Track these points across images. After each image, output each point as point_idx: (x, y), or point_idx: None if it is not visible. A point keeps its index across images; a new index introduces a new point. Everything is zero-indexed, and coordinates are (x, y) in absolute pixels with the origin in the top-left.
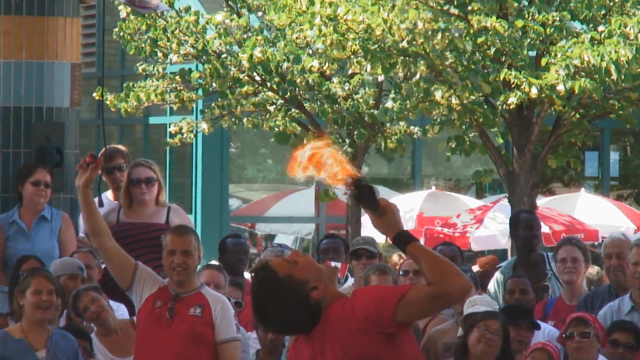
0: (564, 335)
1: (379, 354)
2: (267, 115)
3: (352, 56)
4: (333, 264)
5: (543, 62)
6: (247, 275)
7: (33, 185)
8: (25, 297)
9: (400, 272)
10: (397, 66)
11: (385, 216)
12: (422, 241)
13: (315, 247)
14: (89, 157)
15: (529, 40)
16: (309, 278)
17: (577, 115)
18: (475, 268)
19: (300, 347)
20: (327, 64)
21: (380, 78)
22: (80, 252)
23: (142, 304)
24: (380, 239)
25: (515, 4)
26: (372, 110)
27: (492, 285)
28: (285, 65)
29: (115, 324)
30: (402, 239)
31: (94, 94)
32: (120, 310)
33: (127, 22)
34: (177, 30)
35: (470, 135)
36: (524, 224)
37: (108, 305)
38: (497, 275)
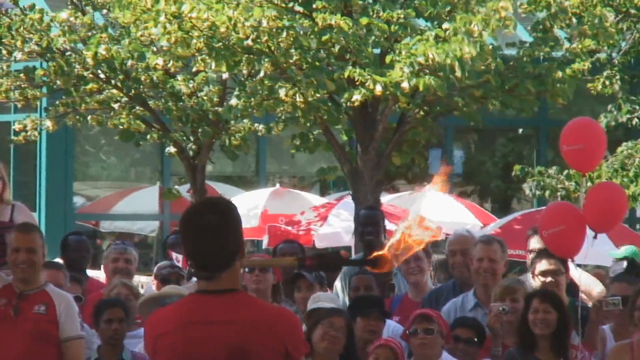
0: (407, 332)
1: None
2: (112, 113)
3: (196, 54)
4: (175, 255)
5: (387, 59)
6: (90, 272)
7: None
8: None
9: (247, 270)
10: (242, 64)
11: None
12: (265, 239)
13: (161, 242)
14: None
15: (373, 37)
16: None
17: (422, 113)
18: None
19: (191, 302)
20: (171, 62)
21: (225, 76)
22: None
23: None
24: None
25: (360, 2)
26: (216, 108)
27: (338, 282)
28: (129, 62)
29: None
30: None
31: None
32: None
33: None
34: (22, 28)
35: (315, 133)
36: (361, 220)
37: None
38: (343, 271)
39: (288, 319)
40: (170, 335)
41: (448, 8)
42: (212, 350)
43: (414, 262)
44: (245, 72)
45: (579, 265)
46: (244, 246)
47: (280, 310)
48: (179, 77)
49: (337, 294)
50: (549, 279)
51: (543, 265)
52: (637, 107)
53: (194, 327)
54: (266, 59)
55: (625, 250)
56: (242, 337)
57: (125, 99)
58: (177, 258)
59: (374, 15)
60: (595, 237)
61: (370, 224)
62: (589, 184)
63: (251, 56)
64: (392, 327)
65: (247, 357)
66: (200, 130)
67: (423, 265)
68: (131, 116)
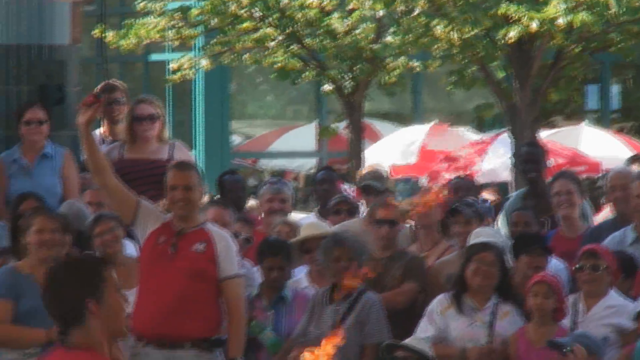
0: (574, 268)
1: None
2: (267, 52)
3: None
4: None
5: None
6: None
7: (25, 124)
8: (29, 235)
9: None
10: (397, 1)
11: None
12: (424, 179)
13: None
14: (91, 98)
15: None
16: None
17: (578, 49)
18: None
19: None
20: (326, 0)
21: (380, 13)
22: (92, 190)
23: (145, 239)
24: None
25: None
26: (372, 46)
27: (501, 216)
28: (284, 1)
29: (121, 259)
30: None
31: (94, 32)
32: (129, 249)
33: None
34: None
35: (471, 70)
36: (523, 158)
37: (122, 238)
38: (505, 206)
39: None
40: None
41: None
42: None
43: (564, 195)
44: (400, 9)
45: None
46: None
47: None
48: (334, 15)
49: (500, 228)
50: None
51: None
52: None
53: None
54: None
55: None
56: None
57: (280, 37)
58: (347, 189)
59: None
60: None
61: (532, 161)
62: None
63: None
64: (551, 263)
65: None
66: (357, 67)
67: (573, 199)
68: (287, 54)
